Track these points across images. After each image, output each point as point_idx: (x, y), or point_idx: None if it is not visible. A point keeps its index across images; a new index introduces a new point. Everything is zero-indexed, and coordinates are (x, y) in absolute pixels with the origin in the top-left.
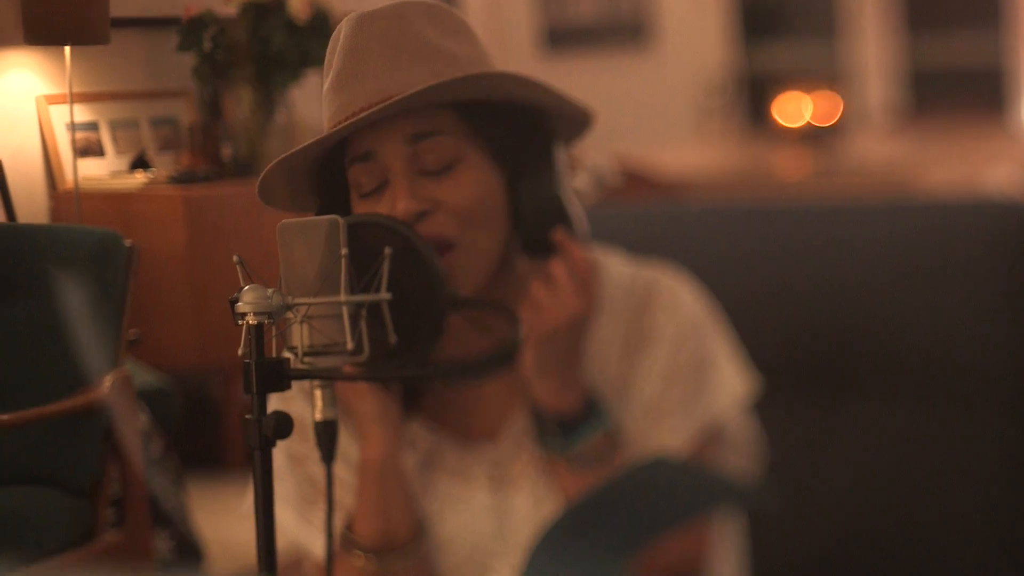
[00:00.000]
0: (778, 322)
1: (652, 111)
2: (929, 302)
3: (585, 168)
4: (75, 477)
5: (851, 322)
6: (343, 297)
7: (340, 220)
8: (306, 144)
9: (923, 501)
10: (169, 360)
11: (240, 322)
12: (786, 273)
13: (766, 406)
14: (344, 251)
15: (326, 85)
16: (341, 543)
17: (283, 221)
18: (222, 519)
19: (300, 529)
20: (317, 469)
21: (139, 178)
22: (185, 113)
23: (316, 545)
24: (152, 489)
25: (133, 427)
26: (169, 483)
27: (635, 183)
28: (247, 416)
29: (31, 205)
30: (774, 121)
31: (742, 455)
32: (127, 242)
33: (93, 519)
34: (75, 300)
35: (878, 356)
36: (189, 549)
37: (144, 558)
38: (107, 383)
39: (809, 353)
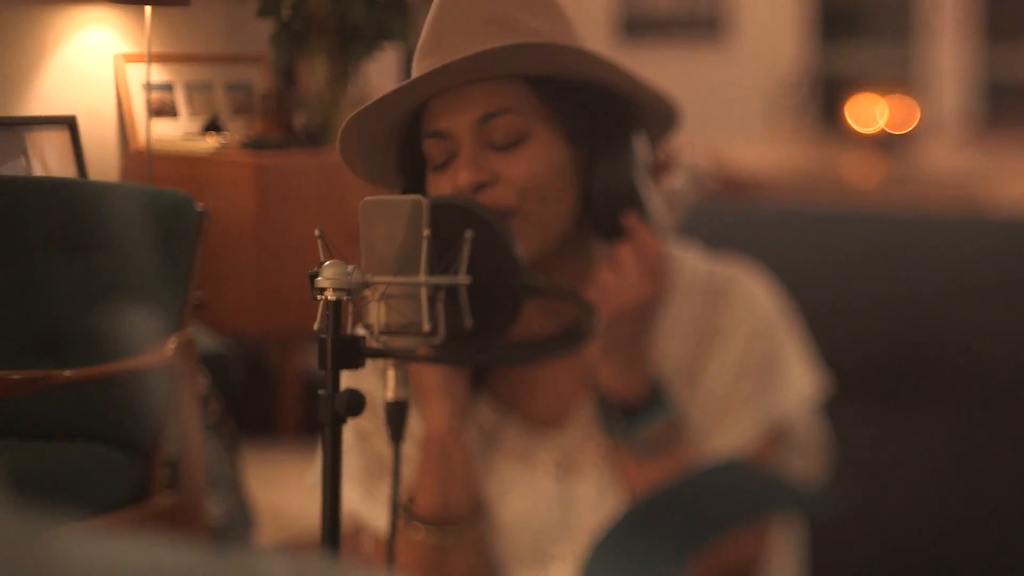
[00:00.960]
0: (846, 327)
1: (724, 106)
2: (998, 316)
3: (683, 167)
4: (133, 437)
5: (920, 331)
6: (422, 278)
7: (424, 201)
8: (374, 100)
9: (988, 513)
10: (230, 325)
11: (319, 297)
12: (857, 279)
13: (834, 409)
14: (426, 232)
15: (416, 54)
16: (402, 515)
17: (366, 198)
18: (274, 487)
19: (362, 503)
20: (383, 445)
21: (210, 142)
22: (260, 80)
23: (377, 519)
24: (207, 453)
25: (193, 391)
26: (224, 448)
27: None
28: (320, 391)
29: (103, 163)
30: (846, 124)
31: (808, 457)
32: (199, 206)
33: (148, 479)
34: (144, 260)
35: (946, 366)
36: (240, 515)
37: (195, 521)
38: (171, 345)
39: (878, 360)
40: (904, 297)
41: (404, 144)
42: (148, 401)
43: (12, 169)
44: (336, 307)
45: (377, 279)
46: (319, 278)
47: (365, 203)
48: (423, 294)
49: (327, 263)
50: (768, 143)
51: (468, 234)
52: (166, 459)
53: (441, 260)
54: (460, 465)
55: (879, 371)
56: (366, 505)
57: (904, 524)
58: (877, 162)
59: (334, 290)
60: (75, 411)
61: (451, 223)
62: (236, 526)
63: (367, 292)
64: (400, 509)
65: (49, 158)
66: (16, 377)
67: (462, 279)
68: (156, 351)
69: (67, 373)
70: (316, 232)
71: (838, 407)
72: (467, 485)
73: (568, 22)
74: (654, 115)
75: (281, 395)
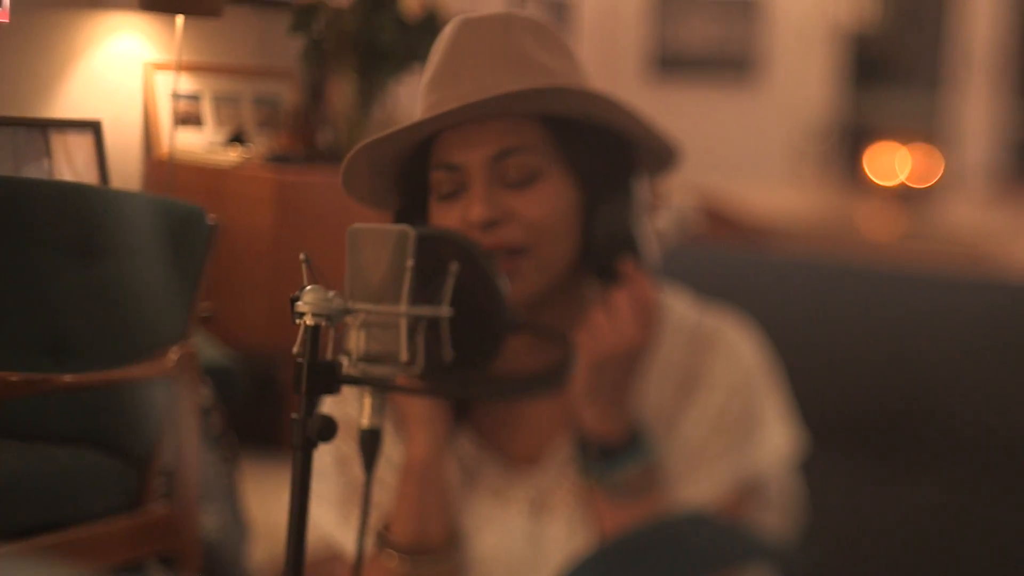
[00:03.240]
0: (841, 383)
1: (750, 147)
2: (991, 380)
3: (669, 207)
4: (130, 444)
5: (916, 393)
6: (403, 308)
7: (411, 232)
8: (391, 131)
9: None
10: (240, 338)
11: (298, 321)
12: (856, 335)
13: (821, 462)
14: (410, 263)
15: (423, 81)
16: (376, 542)
17: (354, 225)
18: (272, 501)
19: (338, 527)
20: (361, 471)
21: (233, 154)
22: (288, 95)
23: (351, 544)
24: (205, 464)
25: (193, 402)
26: (223, 461)
27: (719, 223)
28: (293, 415)
29: (125, 169)
30: (866, 175)
31: (780, 514)
32: (210, 218)
33: (143, 488)
34: (152, 270)
35: (937, 430)
36: (235, 528)
37: (188, 532)
38: (173, 356)
39: (868, 418)
40: (900, 355)
41: (407, 169)
42: (147, 410)
43: (35, 171)
44: (314, 332)
45: (358, 306)
46: (299, 302)
47: (352, 230)
48: (403, 324)
49: (308, 288)
50: (789, 188)
51: (453, 266)
52: (162, 469)
53: (425, 291)
54: (438, 495)
55: (867, 429)
56: (341, 530)
57: None
58: (896, 215)
59: (313, 315)
60: (73, 416)
61: (438, 254)
62: (230, 539)
63: (348, 319)
64: (376, 536)
65: (72, 161)
66: (15, 379)
67: (444, 311)
68: (158, 361)
69: (67, 378)
70: (301, 256)
71: (825, 460)
72: (444, 516)
73: (577, 60)
74: (654, 156)
75: (285, 410)
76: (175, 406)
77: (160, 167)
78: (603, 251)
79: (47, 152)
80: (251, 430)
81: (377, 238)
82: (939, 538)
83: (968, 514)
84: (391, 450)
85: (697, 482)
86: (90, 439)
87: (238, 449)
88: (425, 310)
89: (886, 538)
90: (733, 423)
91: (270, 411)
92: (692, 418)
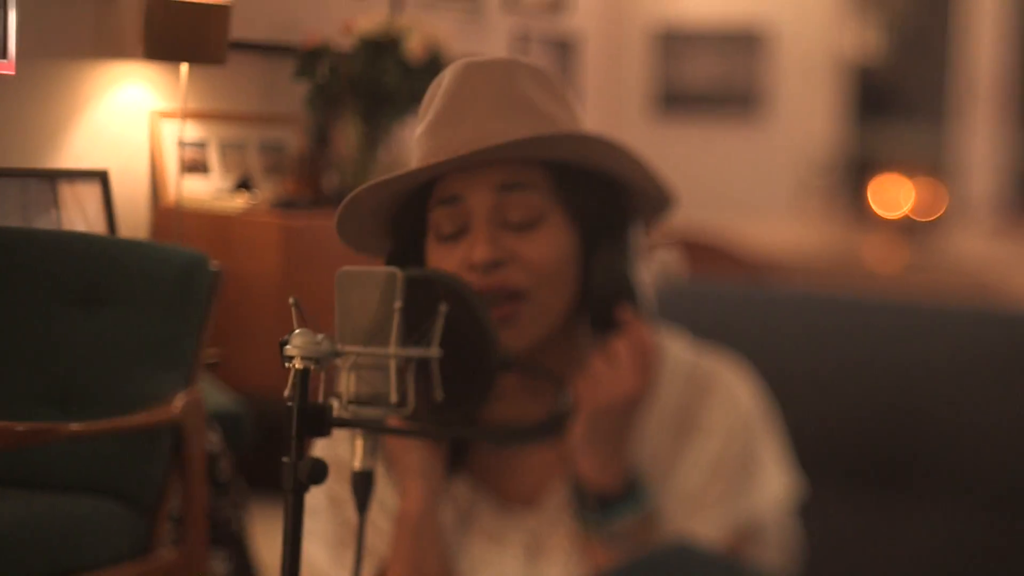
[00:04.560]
0: (844, 414)
1: (755, 183)
2: (1002, 413)
3: (653, 258)
4: (138, 491)
5: (917, 426)
6: (392, 350)
7: (399, 273)
8: (395, 174)
9: None
10: (249, 384)
11: (287, 365)
12: (859, 366)
13: (819, 499)
14: (398, 304)
15: (421, 126)
16: None
17: (343, 268)
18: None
19: (332, 569)
20: (355, 514)
21: (240, 201)
22: (293, 140)
23: None
24: (214, 510)
25: (200, 448)
26: (233, 506)
27: (719, 260)
28: (284, 459)
29: (133, 218)
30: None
31: (778, 555)
32: (214, 265)
33: (151, 534)
34: (156, 318)
35: (943, 463)
36: (245, 573)
37: None
38: (179, 402)
39: (872, 451)
40: (901, 388)
41: (403, 211)
42: (155, 457)
43: (43, 221)
44: (303, 375)
45: (347, 349)
46: (288, 346)
47: (341, 273)
48: (392, 365)
49: (297, 331)
50: (794, 222)
51: (442, 307)
52: (170, 515)
53: (415, 333)
54: (433, 544)
55: (868, 463)
56: (335, 571)
57: None
58: (899, 247)
59: (302, 358)
60: (80, 464)
61: (428, 296)
62: None
63: (338, 361)
64: None
65: (80, 211)
66: (21, 429)
67: (433, 352)
68: (164, 407)
69: (73, 427)
70: (291, 300)
71: (828, 495)
72: (439, 563)
73: (575, 106)
74: (652, 201)
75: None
76: (182, 452)
77: (167, 215)
78: (601, 297)
79: (55, 202)
80: (260, 475)
81: (365, 280)
82: (940, 565)
83: (970, 548)
84: (387, 496)
85: (695, 526)
86: (97, 486)
87: (247, 494)
88: (414, 351)
89: (887, 568)
90: (731, 467)
91: (279, 456)
92: (690, 462)
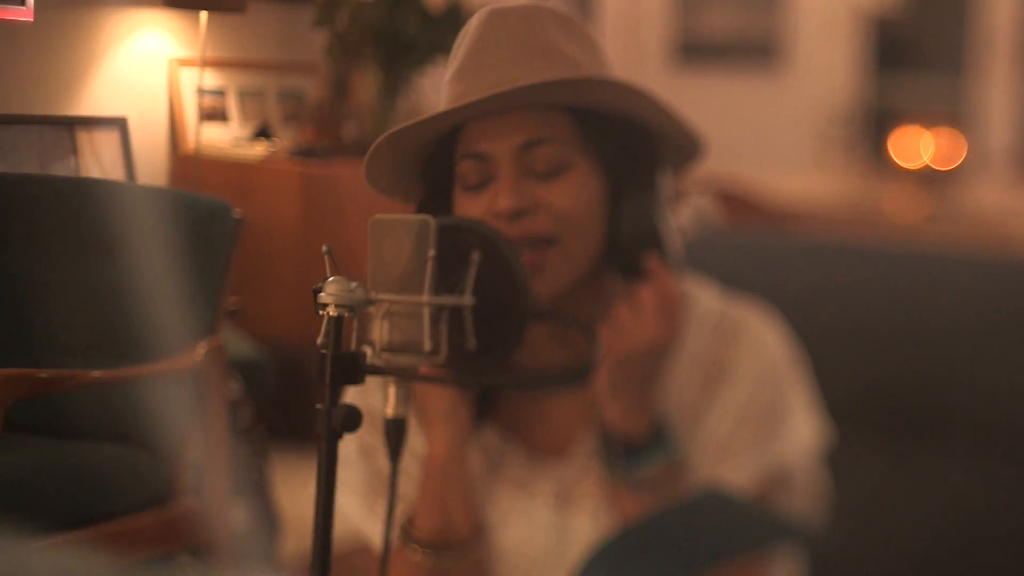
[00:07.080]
0: (867, 363)
1: (774, 134)
2: (1015, 359)
3: (688, 204)
4: (159, 439)
5: (941, 373)
6: (425, 298)
7: (431, 221)
8: (418, 119)
9: (992, 560)
10: (269, 332)
11: (321, 312)
12: (881, 316)
13: (843, 443)
14: (431, 252)
15: (448, 73)
16: (400, 536)
17: (375, 216)
18: (302, 494)
19: (364, 518)
20: (386, 462)
21: (259, 149)
22: (312, 88)
23: (376, 535)
24: (234, 458)
25: (221, 396)
26: (253, 454)
27: (744, 210)
28: (318, 406)
29: (152, 166)
30: (891, 158)
31: (806, 503)
32: (235, 212)
33: (173, 482)
34: (178, 265)
35: (966, 411)
36: (266, 522)
37: (219, 526)
38: (200, 350)
39: (894, 399)
40: (925, 336)
41: (431, 160)
42: (176, 405)
43: (61, 169)
44: (337, 323)
45: (381, 296)
46: (322, 294)
47: (374, 221)
48: (426, 313)
49: (330, 279)
50: (814, 173)
51: (475, 255)
52: (192, 463)
53: (447, 280)
54: (460, 489)
55: (893, 411)
56: (367, 520)
57: (909, 562)
58: (919, 198)
59: (336, 306)
60: (103, 412)
61: (460, 244)
62: (261, 532)
63: (371, 309)
64: (400, 530)
65: (99, 159)
66: (44, 375)
67: (466, 300)
68: (186, 355)
69: (95, 374)
70: (324, 248)
71: (853, 443)
72: (467, 509)
73: (602, 51)
74: (679, 149)
75: (314, 403)
76: (204, 400)
77: (186, 163)
78: (628, 245)
79: (73, 150)
80: (280, 423)
81: (399, 228)
82: (967, 518)
83: (996, 495)
84: (414, 441)
85: (724, 473)
86: (119, 435)
87: (268, 442)
88: (448, 299)
89: (914, 519)
90: (760, 414)
91: (299, 404)
92: (717, 411)
